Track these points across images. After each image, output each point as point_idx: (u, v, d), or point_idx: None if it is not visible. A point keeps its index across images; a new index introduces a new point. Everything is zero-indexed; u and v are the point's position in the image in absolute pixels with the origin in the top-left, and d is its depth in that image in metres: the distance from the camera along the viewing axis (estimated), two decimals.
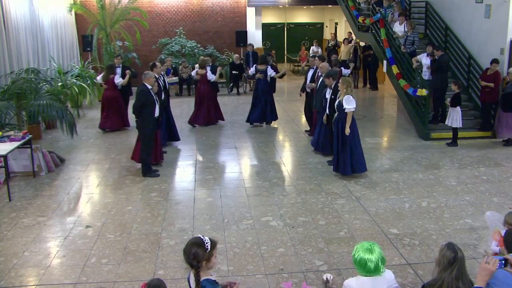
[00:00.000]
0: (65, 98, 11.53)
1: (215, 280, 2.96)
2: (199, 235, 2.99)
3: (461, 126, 9.04)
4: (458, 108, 8.94)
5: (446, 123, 9.24)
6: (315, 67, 9.64)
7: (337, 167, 7.51)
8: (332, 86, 7.86)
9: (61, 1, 14.04)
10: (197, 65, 11.09)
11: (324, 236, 5.55)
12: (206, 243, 2.89)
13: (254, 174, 7.80)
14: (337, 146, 7.44)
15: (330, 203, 6.52)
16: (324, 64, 9.04)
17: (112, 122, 10.65)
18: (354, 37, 16.10)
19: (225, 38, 17.00)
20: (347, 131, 7.19)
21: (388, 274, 3.09)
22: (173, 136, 9.56)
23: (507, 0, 9.37)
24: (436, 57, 9.79)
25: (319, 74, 9.05)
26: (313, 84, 9.38)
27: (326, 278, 3.40)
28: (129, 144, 9.46)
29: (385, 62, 11.41)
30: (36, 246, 5.39)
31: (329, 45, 18.08)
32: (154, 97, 7.60)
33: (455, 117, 8.94)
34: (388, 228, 5.73)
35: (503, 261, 2.88)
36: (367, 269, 2.99)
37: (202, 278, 2.87)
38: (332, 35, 18.94)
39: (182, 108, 12.99)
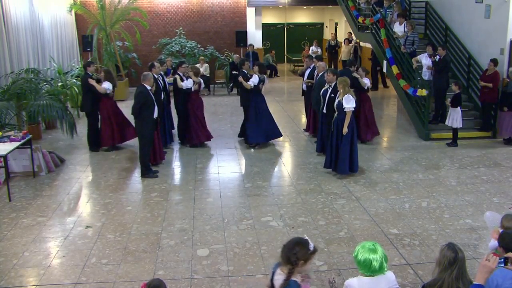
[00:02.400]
0: (65, 98, 11.52)
1: (300, 285, 3.02)
2: (304, 236, 3.09)
3: (461, 126, 9.04)
4: (458, 108, 8.94)
5: (446, 123, 9.24)
6: (312, 66, 9.75)
7: (335, 166, 7.52)
8: (332, 85, 7.87)
9: (61, 1, 14.03)
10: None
11: (324, 236, 5.55)
12: (310, 244, 2.99)
13: (254, 174, 7.79)
14: (336, 146, 7.44)
15: (330, 203, 6.52)
16: (320, 63, 9.26)
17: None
18: (354, 37, 16.09)
19: (225, 38, 16.99)
20: (345, 130, 7.19)
21: (389, 274, 3.11)
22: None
23: (507, 0, 9.37)
24: (440, 56, 9.75)
25: (316, 73, 9.15)
26: (312, 80, 9.45)
27: (333, 279, 3.42)
28: (128, 144, 9.45)
29: (385, 62, 11.41)
30: (36, 246, 5.39)
31: (331, 43, 18.10)
32: (153, 98, 7.59)
33: (455, 118, 8.94)
34: (388, 228, 5.73)
35: (503, 260, 2.88)
36: (372, 269, 3.00)
37: (292, 277, 2.95)
38: (333, 35, 18.96)
39: None
